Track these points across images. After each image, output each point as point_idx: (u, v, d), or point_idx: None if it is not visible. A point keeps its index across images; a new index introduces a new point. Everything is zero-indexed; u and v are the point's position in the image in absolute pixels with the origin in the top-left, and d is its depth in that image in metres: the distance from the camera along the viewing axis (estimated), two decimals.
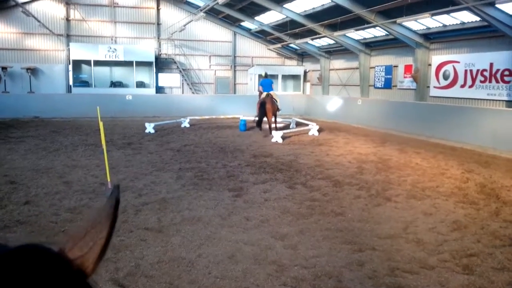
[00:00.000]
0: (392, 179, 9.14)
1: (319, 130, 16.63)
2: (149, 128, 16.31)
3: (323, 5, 19.83)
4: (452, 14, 15.46)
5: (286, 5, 21.65)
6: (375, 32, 20.74)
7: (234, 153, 12.11)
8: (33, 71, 25.11)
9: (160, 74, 28.10)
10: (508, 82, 14.63)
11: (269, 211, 6.85)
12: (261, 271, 4.72)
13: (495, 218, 6.66)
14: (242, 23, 28.45)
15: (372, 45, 22.21)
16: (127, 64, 26.37)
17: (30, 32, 25.56)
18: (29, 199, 7.29)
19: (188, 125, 18.26)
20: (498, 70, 15.03)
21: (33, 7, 25.20)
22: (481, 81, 15.77)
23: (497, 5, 13.09)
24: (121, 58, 25.80)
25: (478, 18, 14.83)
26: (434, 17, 15.85)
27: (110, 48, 25.73)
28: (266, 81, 15.90)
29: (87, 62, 25.76)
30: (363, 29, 19.72)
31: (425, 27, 17.86)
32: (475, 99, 16.00)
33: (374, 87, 22.27)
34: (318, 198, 7.66)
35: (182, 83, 28.73)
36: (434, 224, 6.35)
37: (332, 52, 25.82)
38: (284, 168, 10.11)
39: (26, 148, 12.23)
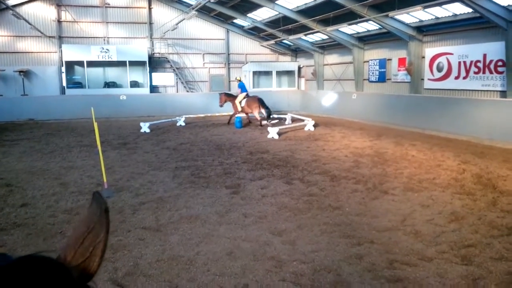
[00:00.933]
0: (389, 172, 9.16)
1: (315, 125, 16.64)
2: (144, 127, 16.27)
3: (315, 0, 19.81)
4: (444, 6, 15.47)
5: (278, 1, 21.60)
6: (368, 26, 20.74)
7: (230, 150, 12.10)
8: (26, 74, 24.96)
9: (154, 74, 28.00)
10: (501, 72, 14.67)
11: (267, 207, 6.85)
12: (260, 267, 4.72)
13: (492, 208, 6.69)
14: (235, 20, 28.37)
15: (365, 39, 22.21)
16: (121, 64, 26.26)
17: (22, 34, 25.38)
18: (26, 201, 7.25)
19: (183, 124, 18.22)
20: (491, 61, 15.07)
21: (23, 10, 25.03)
22: (475, 72, 15.80)
23: None
24: (114, 58, 25.68)
25: (470, 10, 14.85)
26: (426, 10, 15.85)
27: (103, 48, 25.60)
28: (243, 83, 18.34)
29: (80, 63, 25.63)
30: (356, 23, 19.71)
31: (417, 20, 17.88)
32: (469, 90, 16.04)
33: (369, 81, 22.29)
34: (315, 193, 7.66)
35: (176, 82, 28.65)
36: (432, 215, 6.37)
37: (325, 47, 25.81)
38: (281, 164, 10.11)
39: (21, 151, 12.17)
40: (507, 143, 12.00)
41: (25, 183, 8.51)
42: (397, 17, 17.62)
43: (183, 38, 28.42)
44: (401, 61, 19.76)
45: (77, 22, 26.20)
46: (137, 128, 16.55)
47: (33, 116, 20.17)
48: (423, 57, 18.38)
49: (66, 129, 17.05)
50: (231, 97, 18.19)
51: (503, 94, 14.62)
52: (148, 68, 26.95)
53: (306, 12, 21.61)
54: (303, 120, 17.46)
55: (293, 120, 18.62)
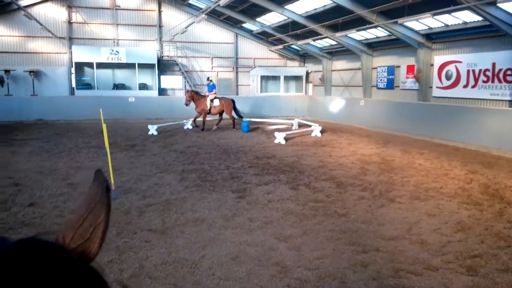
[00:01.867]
0: (396, 180, 9.14)
1: (322, 131, 16.63)
2: (152, 130, 16.35)
3: (325, 6, 19.82)
4: (453, 13, 15.43)
5: (288, 6, 21.65)
6: (377, 33, 20.71)
7: (237, 154, 12.12)
8: (36, 74, 25.19)
9: (162, 76, 28.13)
10: (510, 82, 14.58)
11: (273, 212, 6.86)
12: (265, 273, 4.73)
13: (499, 219, 6.65)
14: (244, 25, 28.46)
15: (374, 46, 22.19)
16: (130, 66, 26.41)
17: (33, 35, 25.63)
18: (34, 201, 7.32)
19: (191, 127, 18.28)
20: (500, 70, 14.98)
21: (35, 10, 25.28)
22: (483, 81, 15.72)
23: (498, 4, 13.06)
24: (123, 60, 25.84)
25: (480, 18, 14.79)
26: (435, 17, 15.82)
27: (113, 50, 25.78)
28: (214, 85, 18.43)
29: (90, 65, 25.82)
30: (365, 29, 19.69)
31: (427, 27, 17.83)
32: (478, 99, 15.96)
33: (377, 87, 22.24)
34: (321, 199, 7.66)
35: (185, 85, 28.77)
36: (438, 225, 6.35)
37: (334, 53, 25.80)
38: (287, 169, 10.12)
39: (30, 151, 12.27)
40: None
41: (33, 182, 8.59)
42: (407, 24, 17.59)
43: (192, 41, 28.55)
44: (410, 68, 19.70)
45: (88, 23, 26.42)
46: (145, 131, 16.63)
47: (42, 116, 20.34)
48: (432, 65, 18.32)
49: (75, 130, 17.18)
50: (199, 96, 17.84)
51: (511, 103, 14.53)
52: (157, 70, 27.09)
53: (315, 17, 21.64)
54: (310, 126, 17.46)
55: (300, 125, 18.62)
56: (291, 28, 23.48)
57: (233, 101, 18.32)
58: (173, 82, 28.52)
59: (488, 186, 8.58)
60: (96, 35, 26.83)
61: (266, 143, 14.29)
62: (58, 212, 6.76)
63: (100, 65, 25.85)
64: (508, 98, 14.72)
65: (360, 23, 18.92)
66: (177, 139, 15.05)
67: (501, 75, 15.01)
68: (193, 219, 6.48)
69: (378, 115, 18.89)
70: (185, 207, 7.11)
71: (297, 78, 29.30)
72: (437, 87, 18.11)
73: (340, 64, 25.65)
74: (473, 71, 16.17)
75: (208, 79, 18.91)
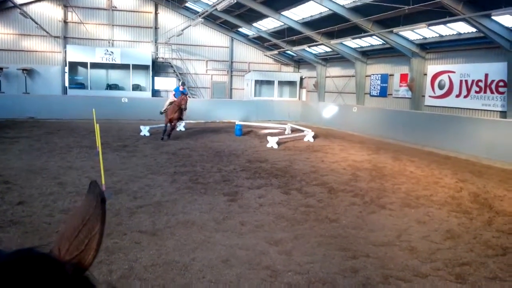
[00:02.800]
0: (387, 186, 9.18)
1: (315, 137, 16.68)
2: (144, 131, 16.30)
3: (321, 13, 19.93)
4: (448, 24, 15.59)
5: (284, 13, 21.74)
6: (372, 41, 20.86)
7: (229, 157, 12.12)
8: (29, 72, 25.00)
9: (156, 78, 28.07)
10: (502, 93, 14.74)
11: (264, 216, 6.86)
12: (255, 276, 4.72)
13: (488, 227, 6.71)
14: (240, 29, 28.51)
15: (368, 54, 22.33)
16: (124, 67, 26.32)
17: (27, 33, 25.46)
18: (23, 199, 7.25)
19: (183, 129, 18.25)
20: (493, 81, 15.14)
21: (31, 9, 25.13)
22: (476, 92, 15.87)
23: (493, 17, 13.21)
24: (118, 61, 25.75)
25: (474, 29, 14.96)
26: (430, 27, 15.97)
27: (107, 51, 25.68)
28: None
29: (84, 65, 25.68)
30: (360, 37, 19.84)
31: (421, 37, 17.99)
32: (470, 109, 16.10)
33: (370, 95, 22.37)
34: (313, 204, 7.67)
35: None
36: (428, 232, 6.38)
37: (328, 59, 25.93)
38: (279, 173, 10.13)
39: (21, 149, 12.17)
40: (505, 163, 12.04)
41: (23, 181, 8.51)
42: (401, 33, 17.73)
43: (188, 44, 28.54)
44: (403, 77, 19.85)
45: (83, 23, 26.32)
46: (137, 131, 16.57)
47: (34, 115, 20.20)
48: (425, 74, 18.47)
49: (66, 129, 17.07)
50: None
51: (503, 114, 14.68)
52: (151, 72, 27.03)
53: (311, 24, 21.75)
54: (303, 131, 17.50)
55: (293, 130, 18.66)
56: (287, 34, 23.57)
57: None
58: (167, 84, 28.45)
59: (477, 195, 8.65)
60: (91, 35, 26.73)
61: (259, 147, 14.30)
62: (47, 211, 6.70)
63: (94, 65, 25.73)
64: (500, 109, 14.87)
65: (355, 31, 19.06)
66: (169, 141, 15.00)
67: (493, 86, 15.17)
68: (184, 221, 6.45)
69: (370, 122, 19.00)
70: (176, 209, 7.09)
71: (291, 83, 29.40)
72: (429, 96, 18.26)
73: (334, 70, 25.78)
74: (466, 81, 16.33)
75: (182, 84, 16.83)
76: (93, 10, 26.80)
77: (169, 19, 28.14)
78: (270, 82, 28.79)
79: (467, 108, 16.21)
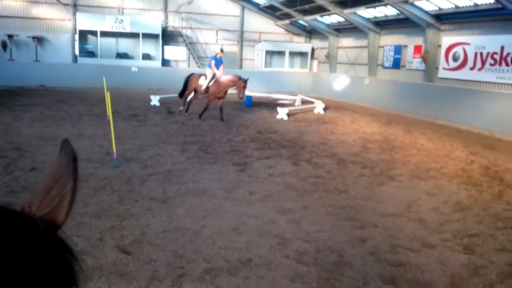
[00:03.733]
0: (397, 158, 9.15)
1: (325, 109, 16.56)
2: (155, 100, 16.30)
3: None
4: None
5: None
6: (386, 11, 20.34)
7: (239, 128, 12.11)
8: (39, 40, 24.89)
9: (166, 47, 27.82)
10: None
11: (273, 186, 6.90)
12: (264, 244, 4.79)
13: (498, 200, 6.69)
14: None
15: (382, 24, 21.81)
16: (134, 36, 26.08)
17: (37, 0, 25.26)
18: (35, 166, 7.35)
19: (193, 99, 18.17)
20: (509, 53, 14.77)
21: None
22: (491, 64, 15.52)
23: None
24: (127, 29, 25.50)
25: (492, 0, 14.52)
26: None
27: (117, 19, 25.41)
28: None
29: (94, 33, 25.48)
30: (374, 7, 19.36)
31: (437, 8, 17.51)
32: (484, 82, 15.79)
33: (383, 66, 21.99)
34: (322, 175, 7.69)
35: (188, 57, 28.48)
36: (437, 204, 6.39)
37: (341, 30, 25.41)
38: (289, 144, 10.12)
39: (32, 116, 12.26)
40: None
41: (35, 148, 8.61)
42: (417, 3, 17.28)
43: (198, 12, 28.11)
44: (417, 49, 19.44)
45: None
46: (147, 101, 16.57)
47: (44, 83, 20.25)
48: (440, 46, 18.06)
49: (77, 97, 17.12)
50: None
51: None
52: (160, 41, 26.78)
53: None
54: (313, 103, 17.37)
55: (303, 102, 18.52)
56: (299, 2, 23.08)
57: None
58: (177, 53, 28.21)
59: (488, 168, 8.60)
60: (101, 3, 26.42)
61: (269, 118, 14.25)
62: None
63: (104, 34, 25.52)
64: None
65: (370, 0, 18.59)
66: (178, 111, 14.99)
67: (509, 58, 14.81)
68: (194, 190, 6.52)
69: (382, 94, 18.77)
70: (186, 177, 7.15)
71: (302, 54, 28.96)
72: (443, 68, 17.91)
73: (346, 41, 25.31)
74: (481, 53, 15.95)
75: (221, 50, 14.33)
76: None
77: None
78: (281, 53, 28.39)
79: (481, 81, 15.89)
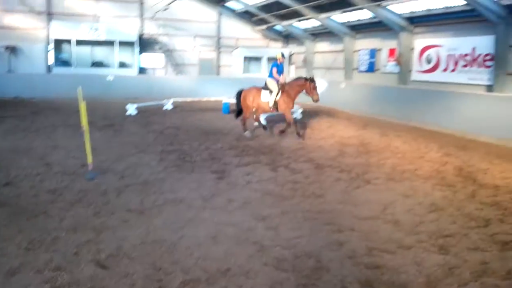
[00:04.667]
0: (372, 162, 9.29)
1: (302, 113, 16.69)
2: (131, 109, 16.14)
3: None
4: None
5: None
6: (361, 15, 20.69)
7: (216, 135, 12.10)
8: (12, 50, 24.40)
9: (142, 55, 27.62)
10: (489, 66, 14.81)
11: (252, 193, 6.92)
12: (242, 252, 4.79)
13: (471, 200, 6.86)
14: (227, 4, 28.05)
15: (357, 28, 22.15)
16: (109, 44, 25.80)
17: (9, 9, 24.77)
18: (9, 180, 7.20)
19: (171, 107, 18.11)
20: (480, 54, 15.19)
21: None
22: (463, 66, 15.93)
23: None
24: (103, 37, 25.21)
25: (462, 2, 14.92)
26: (418, 0, 15.91)
27: (92, 27, 25.13)
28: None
29: (68, 42, 25.13)
30: (349, 11, 19.67)
31: (410, 11, 17.90)
32: (456, 83, 16.17)
33: (358, 70, 22.32)
34: (299, 180, 7.75)
35: (166, 64, 28.33)
36: (412, 205, 6.51)
37: (317, 34, 25.70)
38: (267, 151, 10.17)
39: (6, 129, 12.01)
40: (490, 137, 12.19)
41: (9, 162, 8.43)
42: (389, 7, 17.63)
43: (175, 19, 27.98)
44: (391, 52, 19.81)
45: None
46: (123, 110, 16.40)
47: (18, 94, 19.86)
48: (413, 49, 18.45)
49: (52, 108, 16.84)
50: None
51: (489, 88, 14.79)
52: (137, 49, 26.57)
53: None
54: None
55: None
56: (275, 8, 23.25)
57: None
58: (154, 61, 27.99)
59: (462, 169, 8.80)
60: (76, 11, 26.08)
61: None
62: (34, 191, 6.68)
63: (79, 42, 25.19)
64: (486, 83, 14.96)
65: (344, 4, 18.89)
66: (156, 119, 14.91)
67: (480, 59, 15.22)
68: (172, 200, 6.49)
69: (358, 98, 19.04)
70: (163, 187, 7.11)
71: None
72: (416, 71, 18.28)
73: (323, 46, 25.60)
74: (453, 55, 16.36)
75: (282, 55, 12.50)
76: None
77: None
78: (258, 59, 28.53)
79: (453, 83, 16.28)
